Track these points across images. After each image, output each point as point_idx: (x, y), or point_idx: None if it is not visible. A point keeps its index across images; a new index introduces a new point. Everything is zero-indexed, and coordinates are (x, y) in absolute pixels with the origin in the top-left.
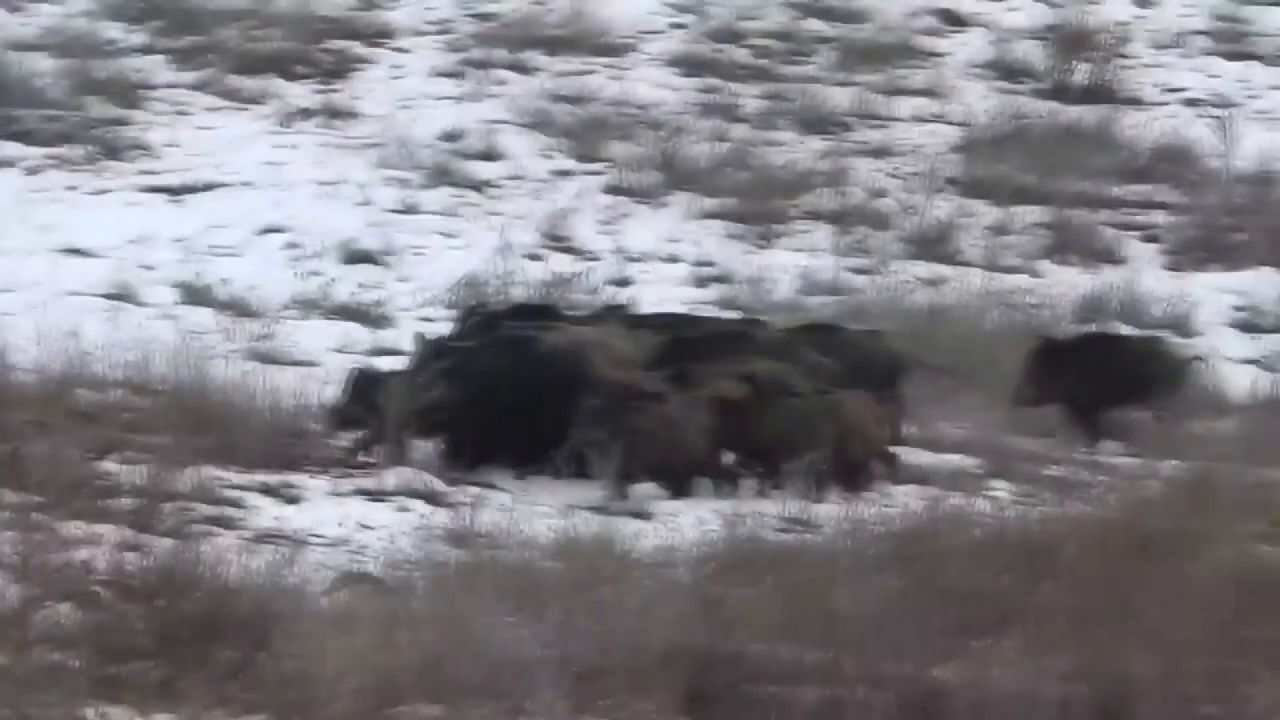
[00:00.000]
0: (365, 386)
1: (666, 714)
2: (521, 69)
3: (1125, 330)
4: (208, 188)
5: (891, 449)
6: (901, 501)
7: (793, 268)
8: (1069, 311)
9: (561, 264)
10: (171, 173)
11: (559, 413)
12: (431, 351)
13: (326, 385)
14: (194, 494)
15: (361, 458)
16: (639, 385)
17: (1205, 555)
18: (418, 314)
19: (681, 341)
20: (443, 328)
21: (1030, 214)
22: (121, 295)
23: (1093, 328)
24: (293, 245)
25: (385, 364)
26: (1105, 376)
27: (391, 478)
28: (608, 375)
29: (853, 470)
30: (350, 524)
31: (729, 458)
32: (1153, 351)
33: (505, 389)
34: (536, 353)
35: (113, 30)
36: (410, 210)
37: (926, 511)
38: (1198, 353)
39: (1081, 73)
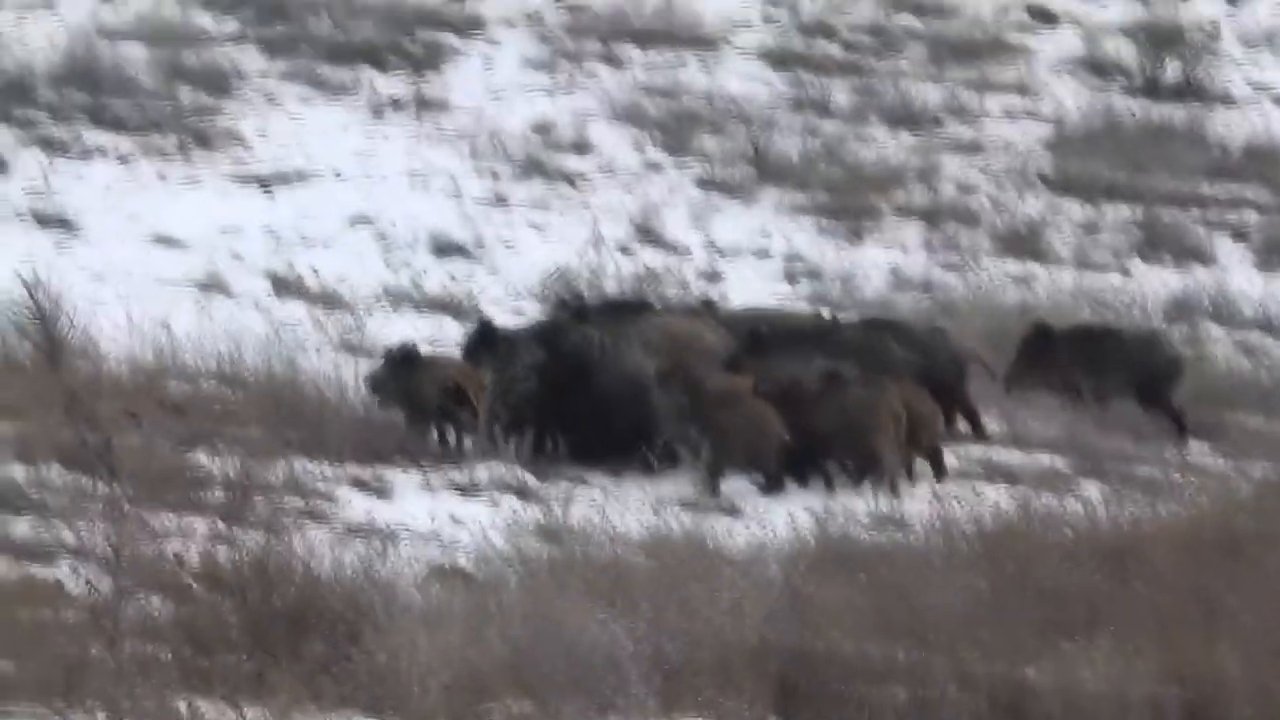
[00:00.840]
0: (401, 363)
1: (756, 711)
2: (613, 61)
3: (1128, 325)
4: (298, 178)
5: (939, 445)
6: (992, 501)
7: (883, 264)
8: (1159, 310)
9: (652, 258)
10: (262, 162)
11: (647, 410)
12: (519, 345)
13: None
14: (285, 487)
15: (453, 450)
16: (723, 383)
17: None
18: (509, 306)
19: (758, 337)
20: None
21: (1120, 212)
22: (212, 285)
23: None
24: (383, 236)
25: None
26: (1095, 367)
27: (483, 472)
28: (693, 373)
29: (904, 461)
30: (441, 518)
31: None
32: (1146, 345)
33: (594, 386)
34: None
35: (204, 19)
36: (500, 202)
37: (1016, 511)
38: (1197, 349)
39: (1172, 70)
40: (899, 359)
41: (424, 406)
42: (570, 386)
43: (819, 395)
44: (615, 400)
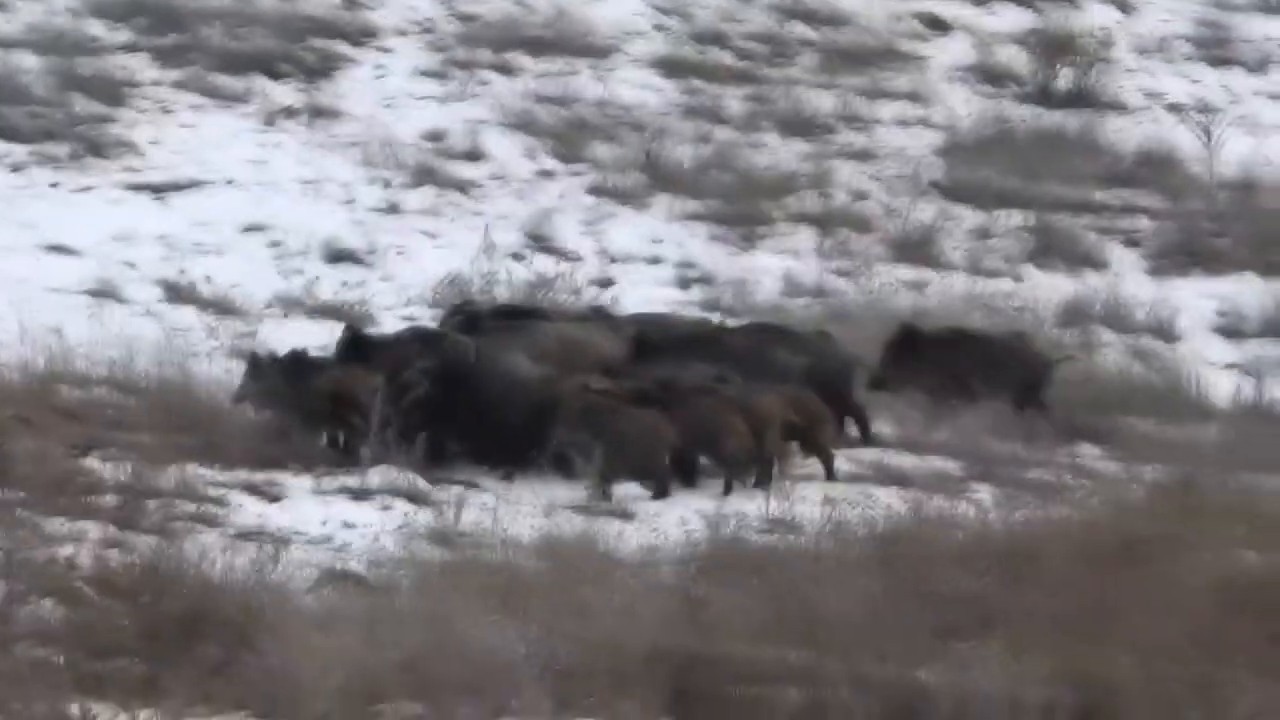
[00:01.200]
0: (262, 368)
1: (650, 715)
2: (505, 70)
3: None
4: (191, 186)
5: (829, 447)
6: (884, 504)
7: (775, 270)
8: (1051, 315)
9: (545, 264)
10: (155, 170)
11: (531, 415)
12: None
13: None
14: (177, 491)
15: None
16: (615, 389)
17: (1187, 560)
18: (401, 313)
19: (644, 342)
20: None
21: (1013, 218)
22: (104, 293)
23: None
24: (276, 244)
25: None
26: (962, 368)
27: (375, 477)
28: (583, 379)
29: (765, 464)
30: (334, 522)
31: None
32: (1014, 348)
33: (472, 390)
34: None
35: (96, 27)
36: (393, 210)
37: (909, 514)
38: (1066, 353)
39: (1064, 78)
40: (785, 363)
41: (310, 411)
42: (451, 391)
43: (680, 399)
44: (494, 405)
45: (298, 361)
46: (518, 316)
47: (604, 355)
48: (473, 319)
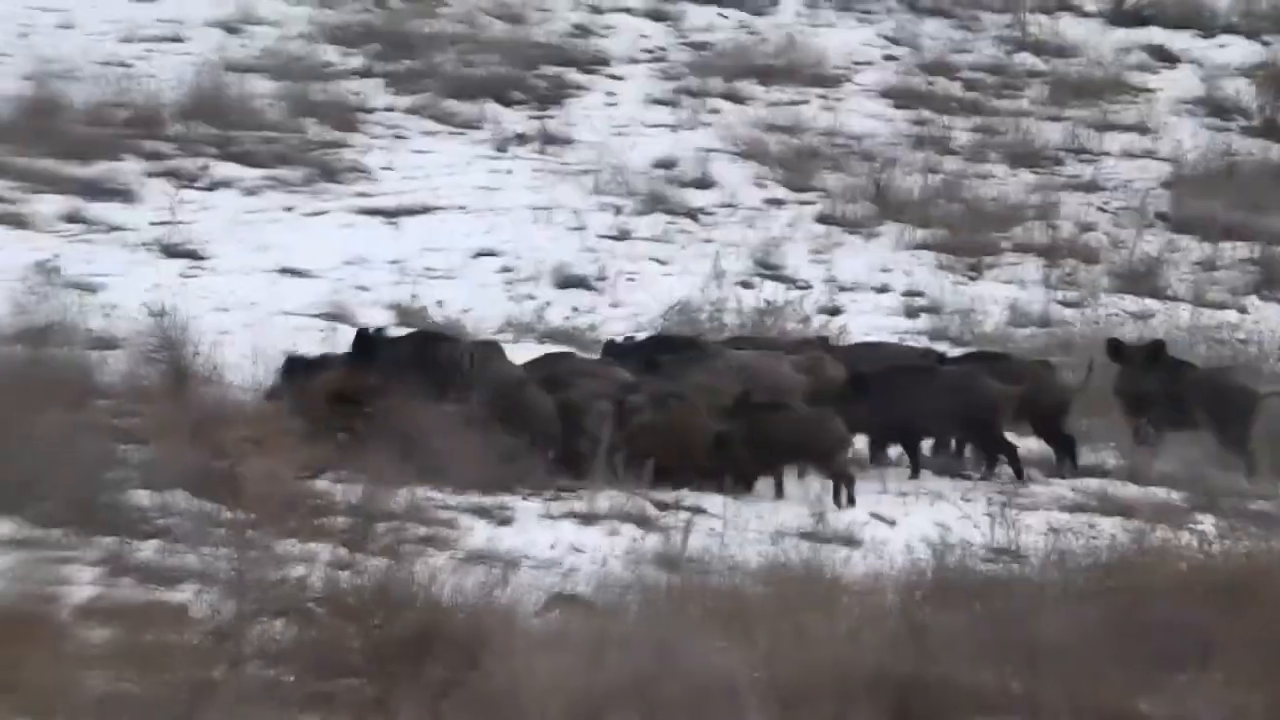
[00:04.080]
0: (293, 371)
1: None
2: (735, 98)
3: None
4: (423, 211)
5: (844, 471)
6: (1107, 533)
7: (1002, 299)
8: (1276, 347)
9: (773, 291)
10: (387, 195)
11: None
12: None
13: None
14: (407, 514)
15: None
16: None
17: None
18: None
19: (855, 375)
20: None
21: (1238, 250)
22: (337, 316)
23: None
24: (506, 269)
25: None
26: (1174, 398)
27: (603, 501)
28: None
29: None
30: (562, 546)
31: None
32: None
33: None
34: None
35: (330, 53)
36: (623, 236)
37: (1132, 543)
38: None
39: None
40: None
41: (313, 412)
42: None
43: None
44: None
45: (304, 363)
46: (676, 349)
47: (781, 384)
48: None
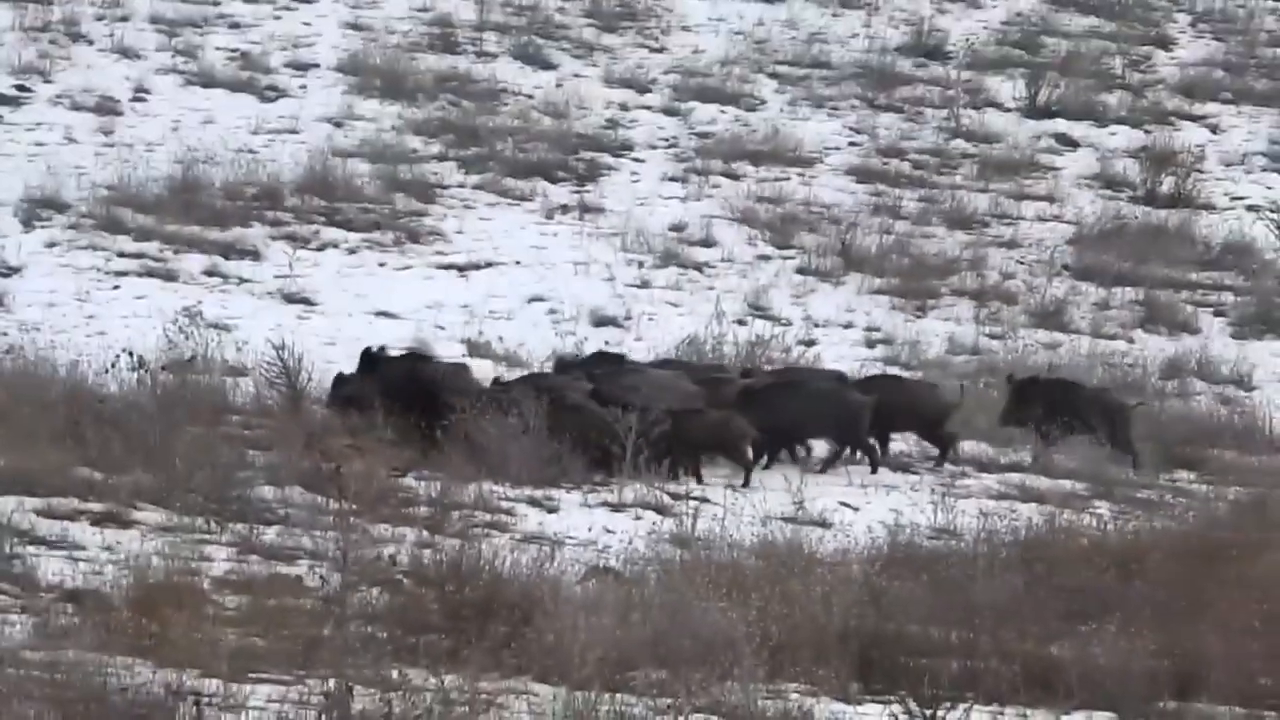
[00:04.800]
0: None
1: (842, 680)
2: (732, 175)
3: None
4: (487, 265)
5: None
6: (1025, 516)
7: (942, 333)
8: (1156, 369)
9: (762, 328)
10: (459, 253)
11: None
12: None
13: None
14: (476, 504)
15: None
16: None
17: (1263, 560)
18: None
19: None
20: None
21: (1127, 294)
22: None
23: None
24: (553, 311)
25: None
26: (1062, 411)
27: (629, 493)
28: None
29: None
30: (597, 529)
31: None
32: (1098, 397)
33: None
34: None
35: (414, 142)
36: (645, 285)
37: (1045, 524)
38: (1140, 400)
39: (1167, 184)
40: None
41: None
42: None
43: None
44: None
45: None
46: (611, 364)
47: (683, 395)
48: (581, 365)
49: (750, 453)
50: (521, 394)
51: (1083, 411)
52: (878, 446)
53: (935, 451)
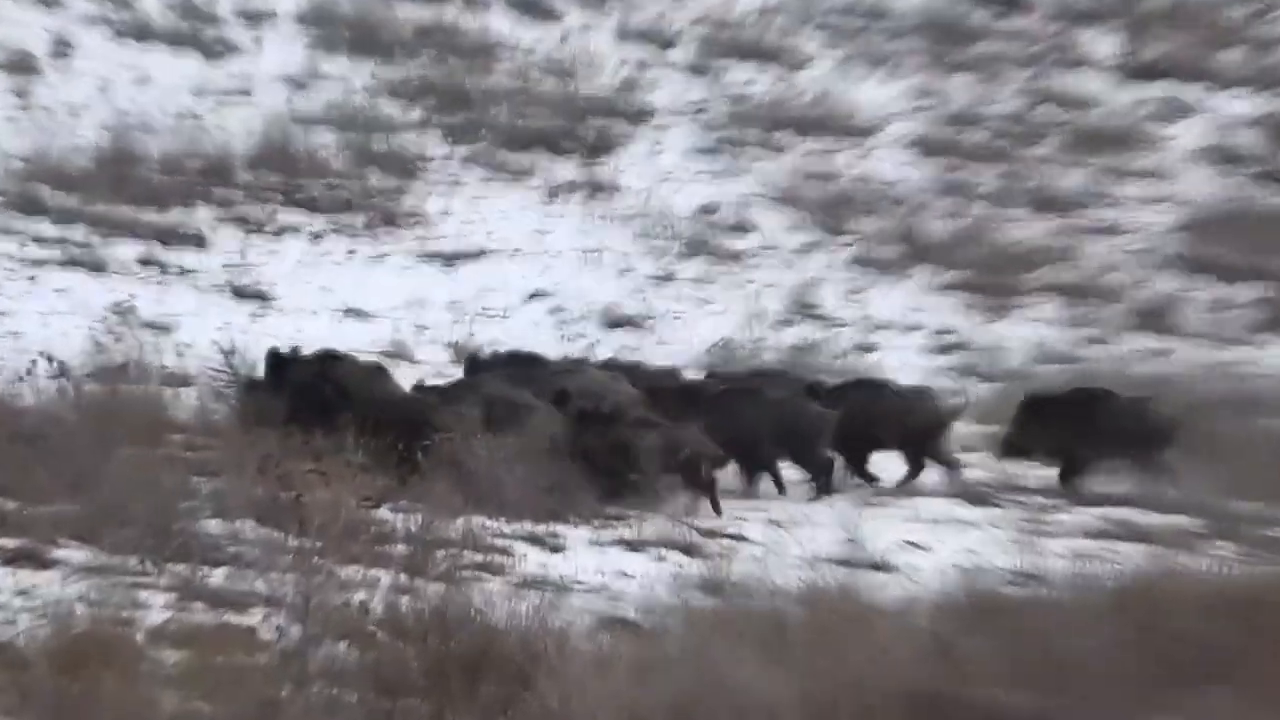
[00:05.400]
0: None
1: None
2: (773, 147)
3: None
4: (479, 255)
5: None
6: (1128, 558)
7: (1026, 338)
8: None
9: (809, 331)
10: (444, 240)
11: None
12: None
13: None
14: (464, 542)
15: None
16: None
17: None
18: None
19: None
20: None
21: (1250, 290)
22: (397, 354)
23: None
24: (558, 310)
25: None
26: (1090, 430)
27: (649, 528)
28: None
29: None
30: (610, 572)
31: None
32: (1139, 410)
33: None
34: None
35: (391, 107)
36: (668, 278)
37: (1150, 566)
38: (1179, 413)
39: None
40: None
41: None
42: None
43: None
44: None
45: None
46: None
47: (619, 399)
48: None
49: (712, 478)
50: (471, 404)
51: (1115, 432)
52: (855, 467)
53: (1023, 481)
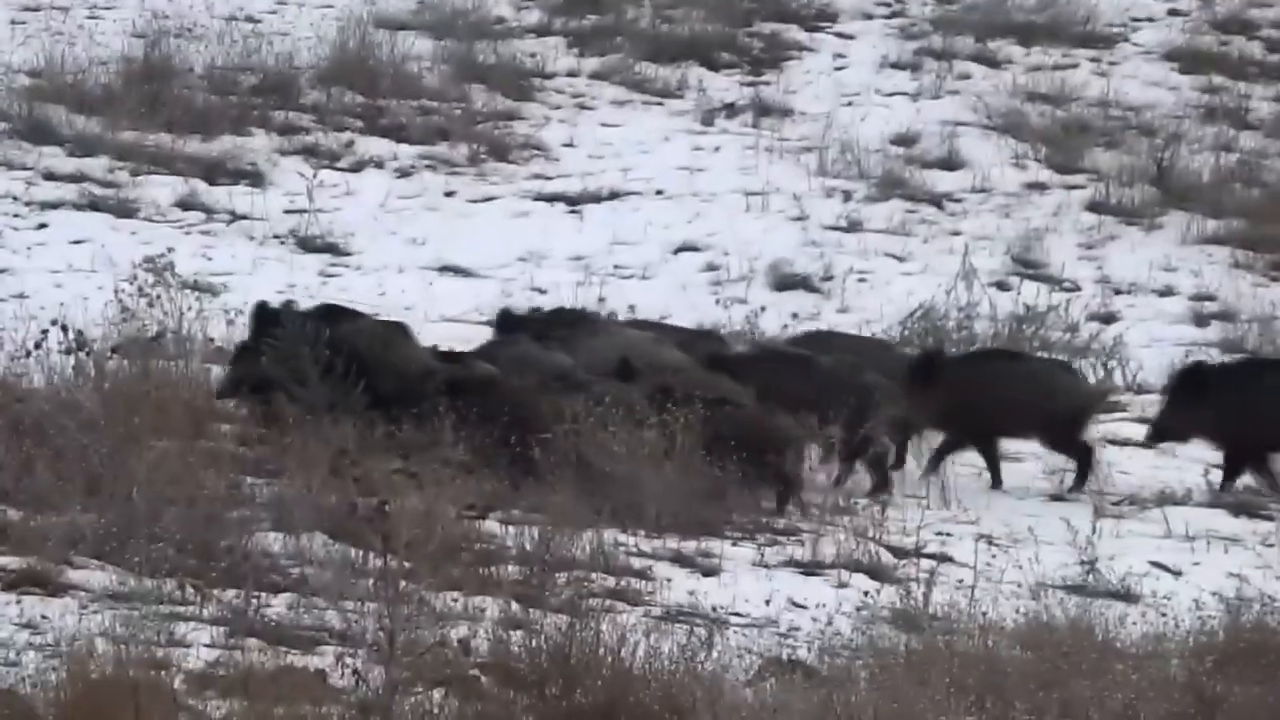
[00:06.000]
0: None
1: None
2: (989, 61)
3: None
4: (612, 197)
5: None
6: None
7: None
8: None
9: (1034, 294)
10: (569, 178)
11: None
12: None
13: None
14: (592, 562)
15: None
16: None
17: None
18: None
19: None
20: None
21: None
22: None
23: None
24: (712, 267)
25: None
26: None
27: (828, 546)
28: None
29: None
30: (778, 601)
31: None
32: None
33: None
34: None
35: (502, 6)
36: (854, 227)
37: None
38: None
39: None
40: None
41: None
42: None
43: None
44: None
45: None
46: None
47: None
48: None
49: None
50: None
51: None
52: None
53: None
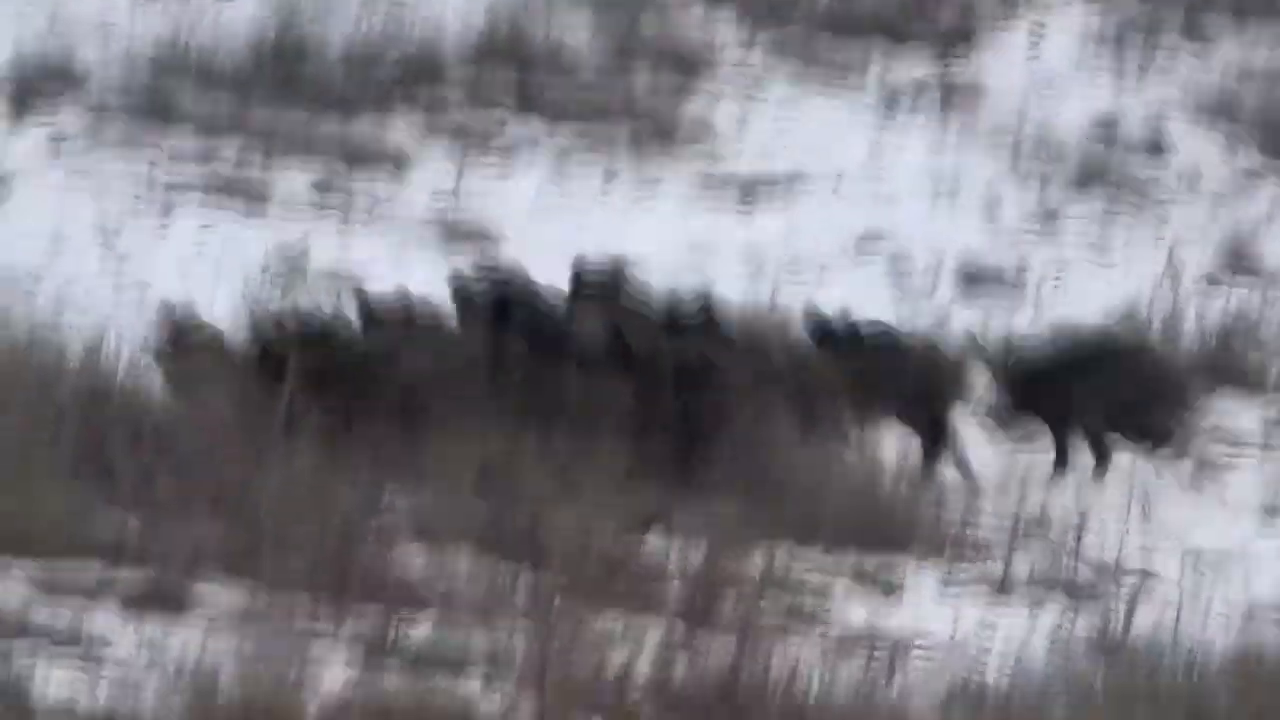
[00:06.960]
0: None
1: None
2: (1199, 37)
3: None
4: (787, 185)
5: None
6: None
7: None
8: None
9: (1247, 296)
10: (740, 164)
11: None
12: None
13: None
14: (764, 580)
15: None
16: None
17: None
18: None
19: None
20: None
21: None
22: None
23: None
24: (897, 262)
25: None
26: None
27: (1023, 563)
28: None
29: None
30: (966, 624)
31: None
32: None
33: None
34: None
35: None
36: (1050, 221)
37: None
38: None
39: None
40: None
41: None
42: None
43: None
44: None
45: None
46: None
47: None
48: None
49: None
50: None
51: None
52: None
53: None
